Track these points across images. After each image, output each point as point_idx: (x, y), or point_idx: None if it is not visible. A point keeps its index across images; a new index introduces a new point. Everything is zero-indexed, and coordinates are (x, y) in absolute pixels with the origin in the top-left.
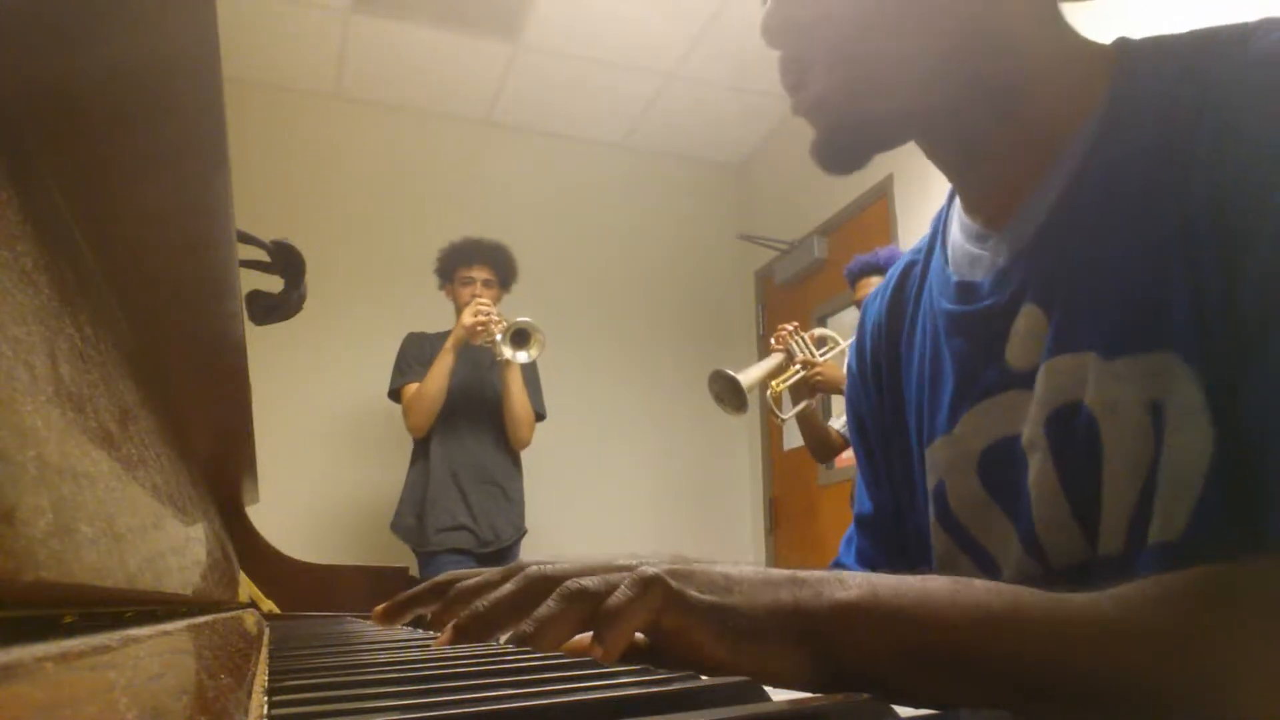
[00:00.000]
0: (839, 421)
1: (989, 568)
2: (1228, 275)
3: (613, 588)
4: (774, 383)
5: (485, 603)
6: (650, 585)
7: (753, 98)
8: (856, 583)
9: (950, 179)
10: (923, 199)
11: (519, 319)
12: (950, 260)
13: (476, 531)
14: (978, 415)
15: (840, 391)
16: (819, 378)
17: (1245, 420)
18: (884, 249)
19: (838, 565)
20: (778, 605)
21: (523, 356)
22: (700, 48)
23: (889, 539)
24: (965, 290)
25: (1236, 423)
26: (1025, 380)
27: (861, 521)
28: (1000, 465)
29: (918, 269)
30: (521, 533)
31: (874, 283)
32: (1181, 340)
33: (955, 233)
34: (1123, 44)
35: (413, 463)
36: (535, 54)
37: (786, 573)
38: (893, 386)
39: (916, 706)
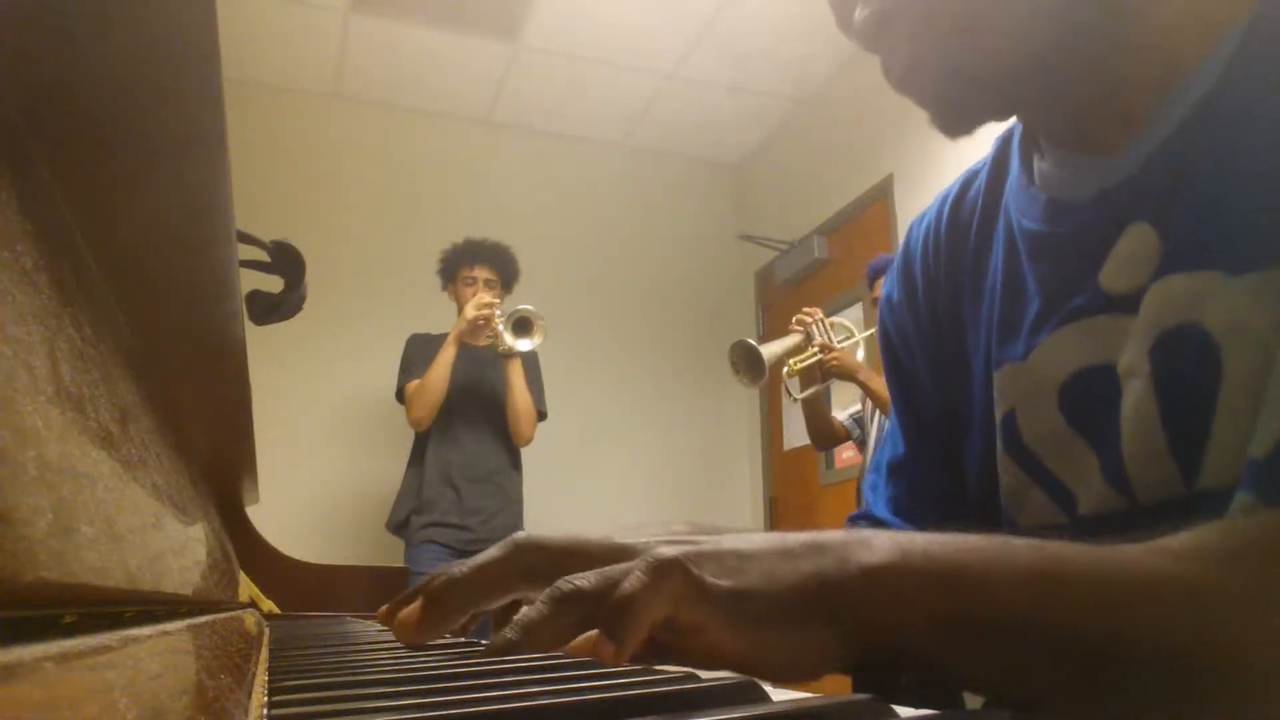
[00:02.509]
0: (844, 413)
1: (1064, 500)
2: None
3: (611, 584)
4: (791, 362)
5: (465, 569)
6: (668, 572)
7: (752, 98)
8: (882, 544)
9: (1037, 121)
10: (923, 199)
11: (520, 306)
12: (1039, 179)
13: (466, 528)
14: (1060, 340)
15: (853, 379)
16: (834, 363)
17: None
18: None
19: (865, 516)
20: (800, 580)
21: (525, 344)
22: (700, 48)
23: (927, 482)
24: (1058, 210)
25: None
26: (1124, 304)
27: (895, 467)
28: (1087, 395)
29: (978, 186)
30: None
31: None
32: None
33: (1043, 163)
34: None
35: (410, 463)
36: (535, 54)
37: (804, 538)
38: (953, 312)
39: (957, 687)
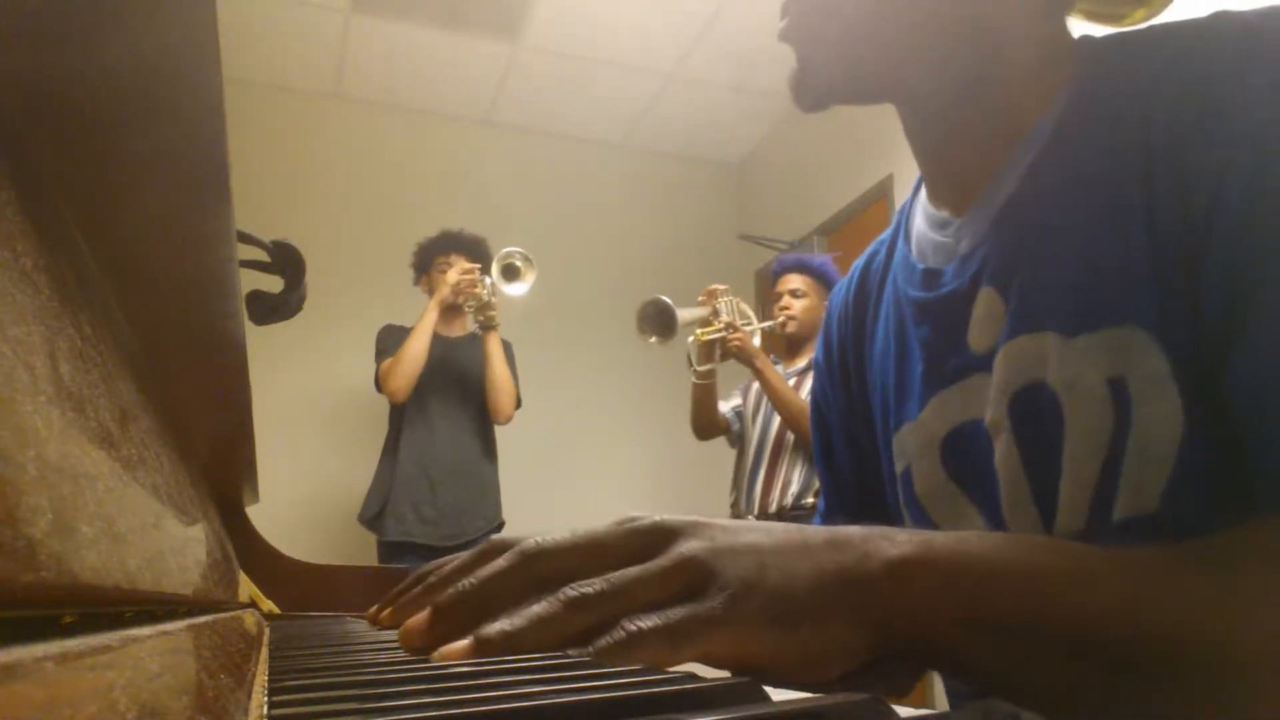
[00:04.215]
0: (726, 405)
1: None
2: (1191, 254)
3: (619, 591)
4: (698, 332)
5: (474, 582)
6: (686, 563)
7: (753, 98)
8: (905, 538)
9: (921, 164)
10: None
11: (505, 249)
12: (915, 249)
13: (441, 524)
14: (942, 401)
15: (750, 363)
16: (735, 343)
17: (1236, 396)
18: (820, 257)
19: None
20: (821, 576)
21: (519, 288)
22: (700, 48)
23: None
24: (930, 277)
25: (1207, 396)
26: (986, 364)
27: (823, 516)
28: (962, 449)
29: (880, 258)
30: (495, 525)
31: (793, 279)
32: (1145, 314)
33: (920, 222)
34: (1086, 39)
35: (384, 452)
36: (535, 54)
37: (822, 532)
38: (859, 375)
39: (980, 680)
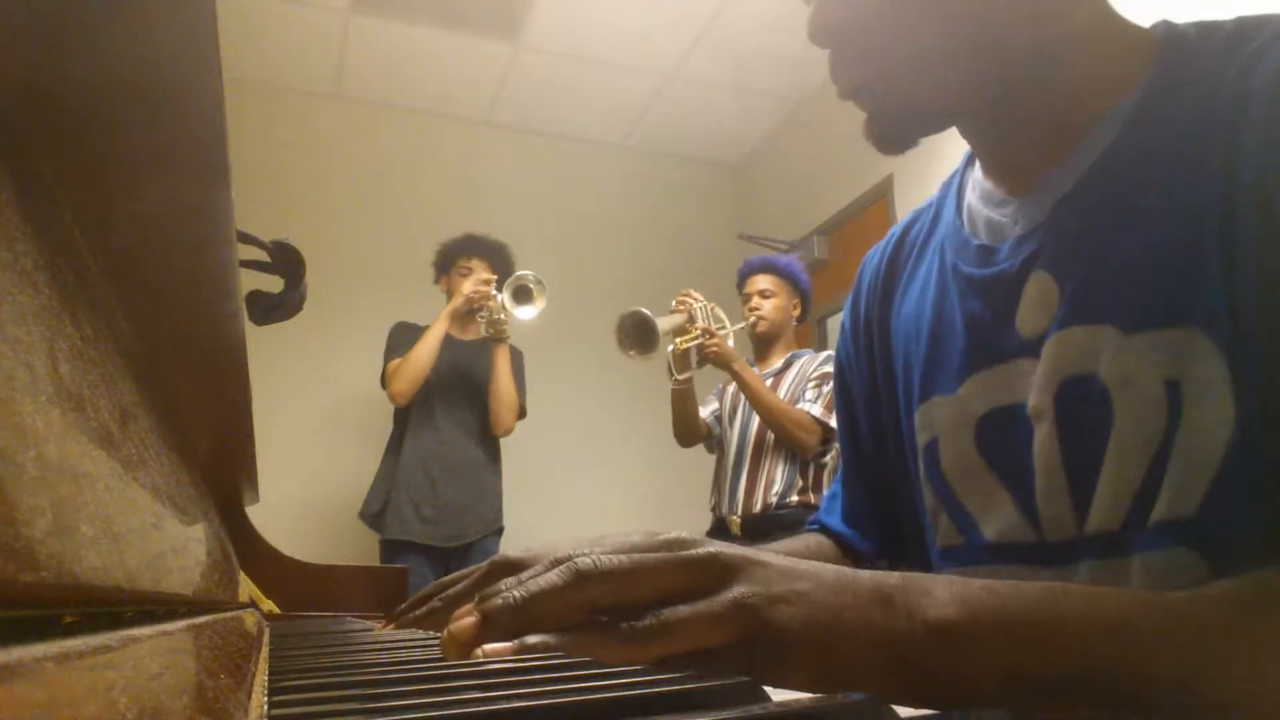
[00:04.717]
0: (705, 410)
1: (967, 528)
2: (1264, 255)
3: (672, 631)
4: (677, 341)
5: (523, 593)
6: (739, 611)
7: (753, 98)
8: (946, 597)
9: (975, 145)
10: (922, 199)
11: (518, 272)
12: (969, 224)
13: (441, 524)
14: (984, 380)
15: (728, 368)
16: (713, 349)
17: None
18: (785, 257)
19: (816, 522)
20: (869, 627)
21: (528, 312)
22: (700, 48)
23: (865, 498)
24: (985, 254)
25: (1261, 405)
26: (1033, 349)
27: (843, 482)
28: (1000, 431)
29: (922, 224)
30: (495, 528)
31: (760, 280)
32: (1210, 317)
33: (972, 196)
34: (1167, 26)
35: (387, 450)
36: (535, 54)
37: (867, 582)
38: (883, 337)
39: None
